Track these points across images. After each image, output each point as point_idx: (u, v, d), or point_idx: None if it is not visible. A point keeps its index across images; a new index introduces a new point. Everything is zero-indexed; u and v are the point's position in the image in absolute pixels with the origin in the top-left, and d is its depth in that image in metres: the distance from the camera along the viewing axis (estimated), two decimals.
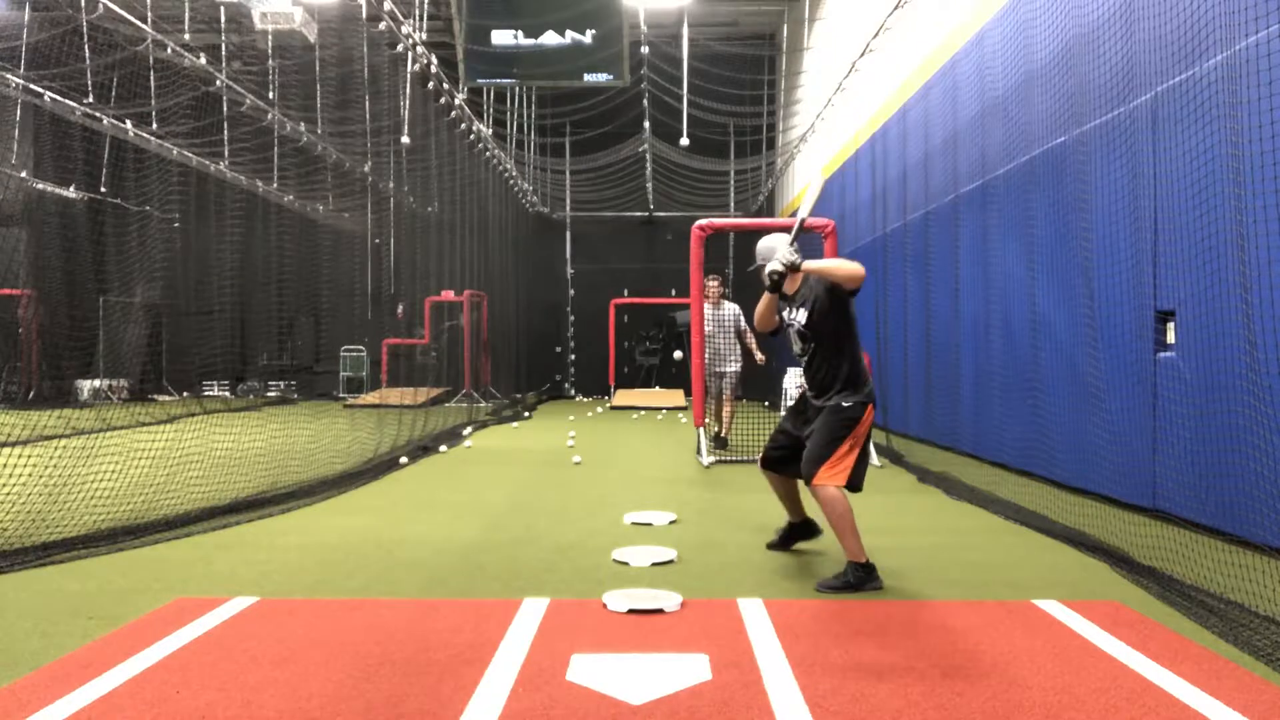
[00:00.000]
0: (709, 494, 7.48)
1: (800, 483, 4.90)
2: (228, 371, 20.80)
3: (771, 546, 5.33)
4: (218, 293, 18.82)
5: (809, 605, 4.17)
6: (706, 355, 10.25)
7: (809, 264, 4.62)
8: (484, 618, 3.92)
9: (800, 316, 4.77)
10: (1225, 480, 5.24)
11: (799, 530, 5.26)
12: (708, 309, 10.39)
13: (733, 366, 10.67)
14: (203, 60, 14.03)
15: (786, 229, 5.04)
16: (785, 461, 4.92)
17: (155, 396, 19.15)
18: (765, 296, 4.78)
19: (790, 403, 5.18)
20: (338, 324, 21.88)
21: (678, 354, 10.67)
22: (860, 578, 4.42)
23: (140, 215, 17.74)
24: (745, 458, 9.60)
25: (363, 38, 13.13)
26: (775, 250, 4.73)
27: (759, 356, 10.73)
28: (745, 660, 3.41)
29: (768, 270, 4.59)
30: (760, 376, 11.36)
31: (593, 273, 23.99)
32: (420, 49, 13.25)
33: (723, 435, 10.52)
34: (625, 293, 23.24)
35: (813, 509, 4.97)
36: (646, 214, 23.63)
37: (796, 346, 4.87)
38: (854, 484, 4.59)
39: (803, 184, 19.34)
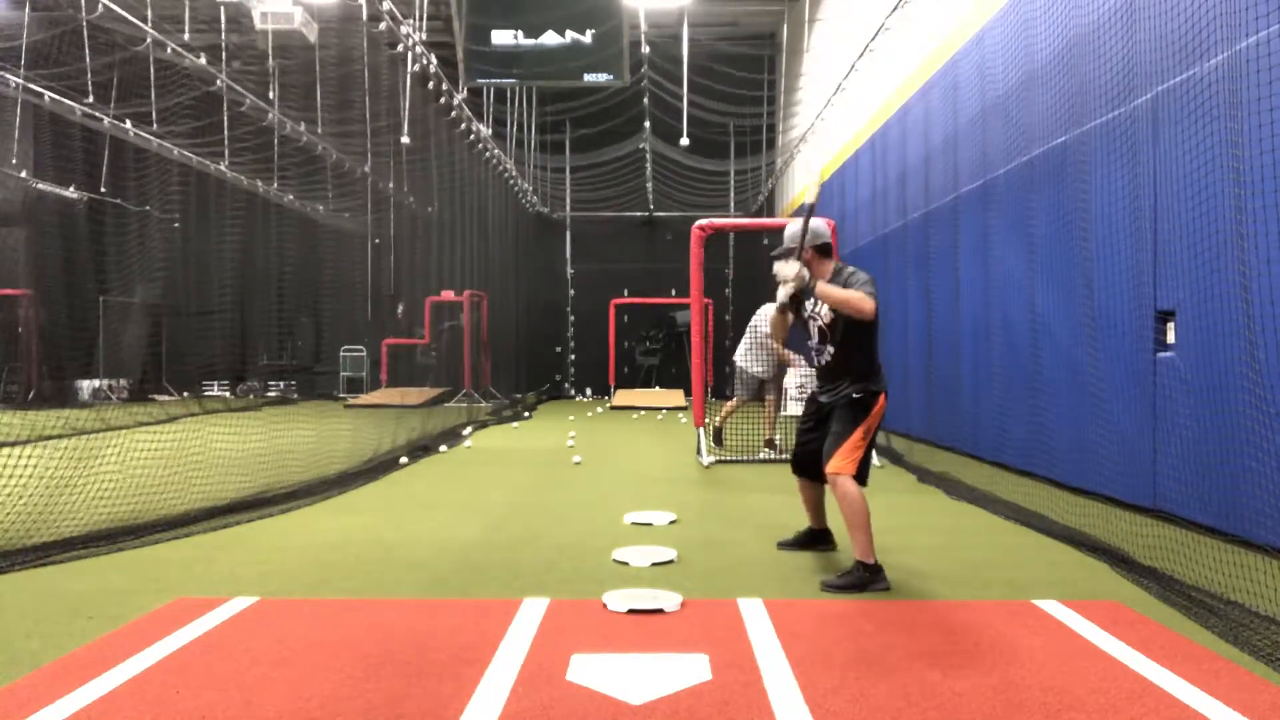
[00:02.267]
0: (709, 494, 7.48)
1: (826, 491, 4.90)
2: (228, 371, 20.81)
3: (782, 545, 5.33)
4: (218, 293, 18.82)
5: (809, 605, 4.17)
6: (743, 351, 10.13)
7: (822, 288, 4.61)
8: (484, 618, 3.92)
9: (824, 311, 4.71)
10: (1225, 480, 5.24)
11: (816, 537, 5.25)
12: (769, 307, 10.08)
13: (773, 368, 10.36)
14: (203, 60, 14.04)
15: (784, 229, 5.02)
16: (811, 461, 4.88)
17: (155, 396, 19.15)
18: (779, 315, 4.82)
19: (793, 403, 5.21)
20: (338, 324, 21.91)
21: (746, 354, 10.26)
22: (865, 578, 4.41)
23: (140, 215, 17.75)
24: (746, 458, 9.60)
25: (363, 38, 13.13)
26: (796, 236, 4.72)
27: (791, 357, 10.42)
28: (745, 660, 3.41)
29: (780, 298, 4.67)
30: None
31: (593, 273, 24.00)
32: (420, 49, 13.25)
33: (770, 437, 10.25)
34: (625, 293, 23.24)
35: (834, 520, 5.00)
36: (646, 214, 23.64)
37: (812, 340, 4.86)
38: (859, 475, 4.58)
39: (802, 185, 19.34)
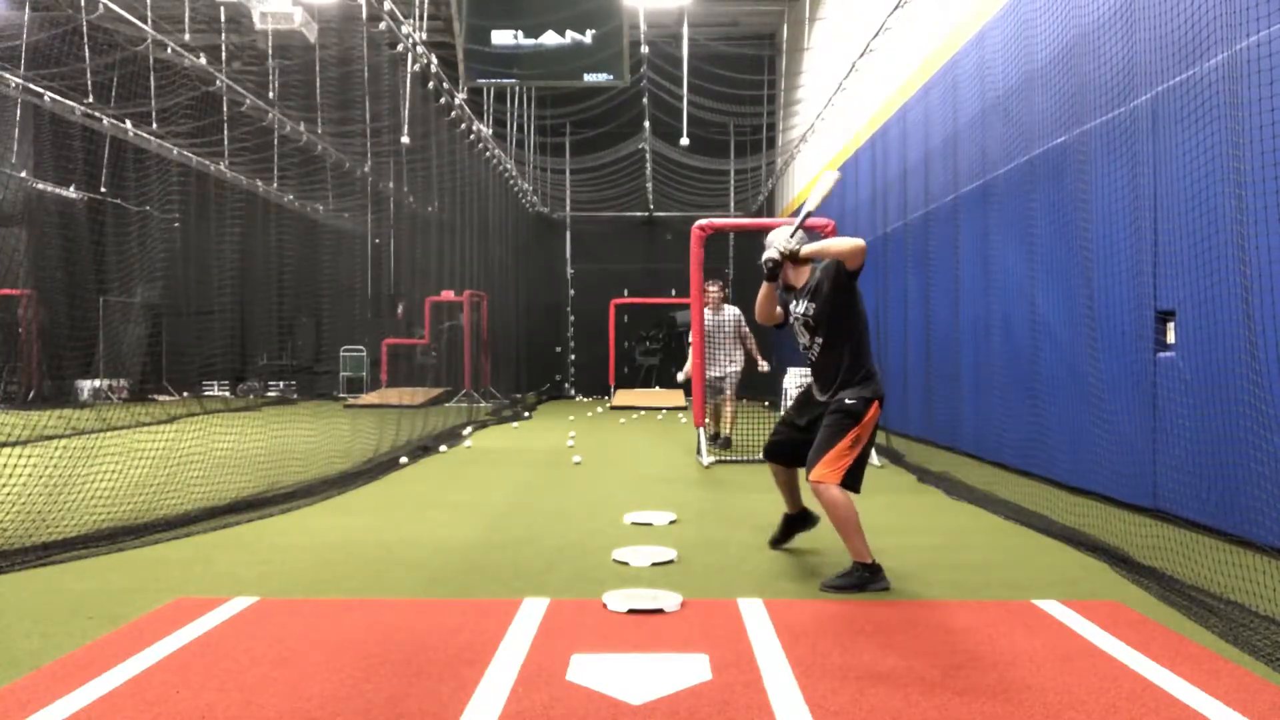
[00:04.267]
0: (709, 494, 7.48)
1: (801, 475, 4.87)
2: (228, 371, 20.80)
3: (773, 543, 5.32)
4: (218, 293, 18.82)
5: (809, 605, 4.17)
6: (705, 359, 10.42)
7: (807, 248, 4.70)
8: (484, 618, 3.92)
9: (807, 309, 4.74)
10: (1225, 480, 5.24)
11: (795, 521, 5.23)
12: (708, 314, 10.46)
13: (732, 368, 10.77)
14: (203, 60, 14.04)
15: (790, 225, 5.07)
16: (783, 448, 4.91)
17: (155, 396, 19.14)
18: (764, 286, 4.83)
19: (790, 403, 5.21)
20: (338, 324, 21.90)
21: (680, 375, 11.18)
22: (865, 578, 4.41)
23: (140, 215, 17.73)
24: (746, 458, 9.60)
25: (363, 38, 13.13)
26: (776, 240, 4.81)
27: (762, 365, 10.82)
28: (745, 660, 3.41)
29: (763, 259, 4.69)
30: (760, 376, 11.41)
31: (593, 273, 23.99)
32: (420, 49, 13.25)
33: (726, 435, 10.60)
34: (625, 293, 23.23)
35: (811, 502, 5.00)
36: (646, 214, 23.63)
37: (803, 340, 4.85)
38: (850, 483, 4.53)
39: (807, 181, 19.34)
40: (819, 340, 4.72)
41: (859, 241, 4.54)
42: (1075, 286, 7.16)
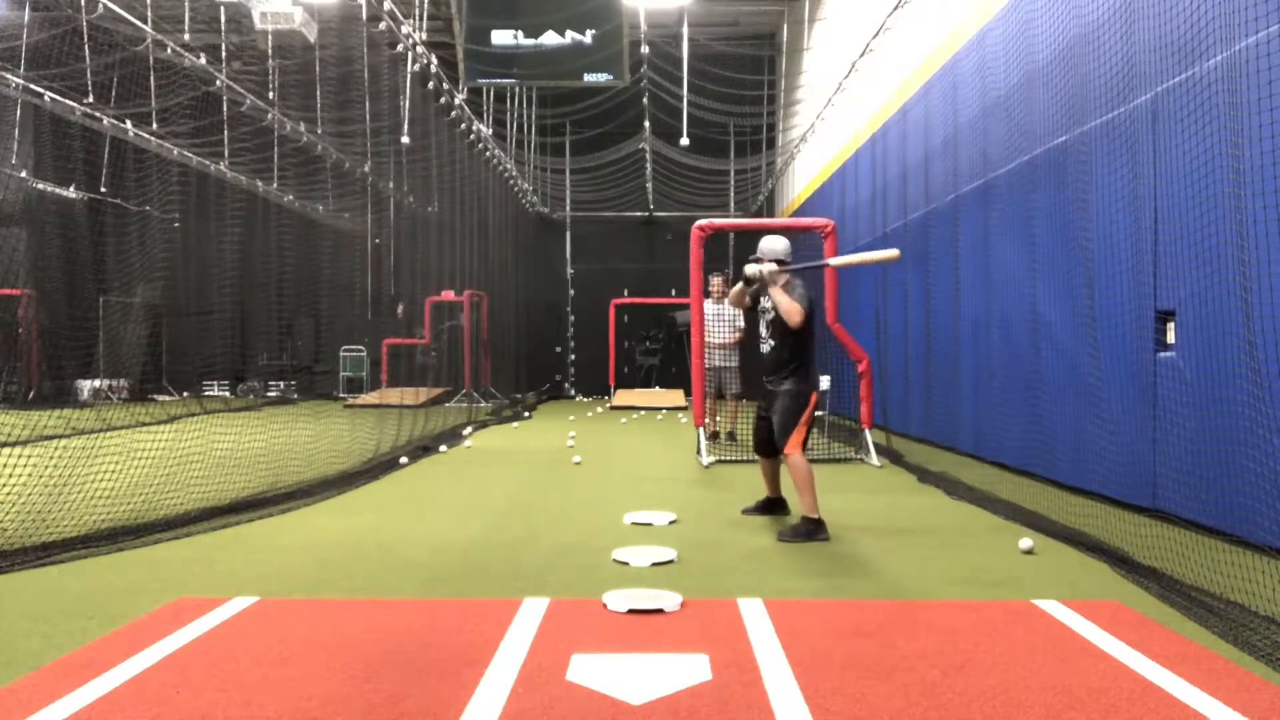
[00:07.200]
0: (709, 494, 7.48)
1: (782, 468, 6.06)
2: (228, 371, 20.79)
3: (745, 511, 6.35)
4: (218, 293, 18.81)
5: (809, 605, 4.17)
6: (707, 353, 10.57)
7: (773, 291, 5.75)
8: (484, 618, 3.92)
9: (771, 310, 5.83)
10: (1225, 480, 5.24)
11: (774, 504, 6.30)
12: (711, 306, 10.74)
13: (733, 362, 10.95)
14: (203, 60, 14.04)
15: (783, 229, 5.71)
16: (767, 443, 5.99)
17: (155, 396, 19.14)
18: (740, 284, 5.94)
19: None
20: (338, 324, 21.88)
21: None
22: (810, 529, 5.52)
23: (140, 215, 17.73)
24: (747, 457, 9.59)
25: (363, 38, 13.13)
26: (774, 251, 5.87)
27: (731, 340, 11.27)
28: (745, 660, 3.41)
29: (746, 271, 5.83)
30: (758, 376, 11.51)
31: (593, 273, 23.98)
32: (420, 49, 13.25)
33: (730, 430, 10.73)
34: (625, 293, 23.21)
35: (788, 492, 6.20)
36: (646, 214, 23.63)
37: (763, 331, 5.98)
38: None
39: (808, 181, 19.34)
40: (772, 340, 5.88)
41: (796, 319, 5.58)
42: (1075, 286, 7.16)
